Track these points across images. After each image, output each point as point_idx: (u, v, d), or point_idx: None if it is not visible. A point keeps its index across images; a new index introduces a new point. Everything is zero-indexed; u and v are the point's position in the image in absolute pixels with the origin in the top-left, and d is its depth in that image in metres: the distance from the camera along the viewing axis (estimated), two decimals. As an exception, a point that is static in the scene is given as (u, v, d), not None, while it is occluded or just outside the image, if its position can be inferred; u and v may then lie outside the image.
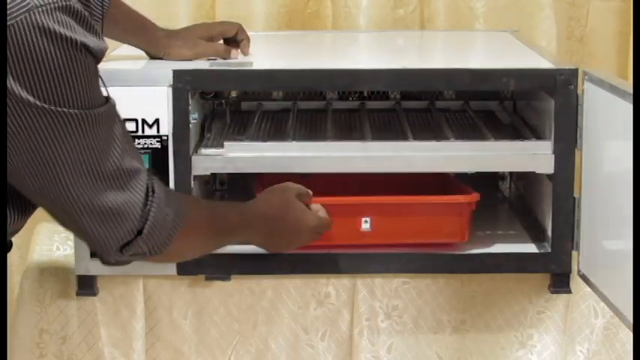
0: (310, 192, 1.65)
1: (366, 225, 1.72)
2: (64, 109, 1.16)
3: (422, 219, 1.73)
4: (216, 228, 1.48)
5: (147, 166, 1.63)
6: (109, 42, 1.77)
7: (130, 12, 1.72)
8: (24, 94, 1.13)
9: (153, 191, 1.29)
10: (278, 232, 1.60)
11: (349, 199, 1.73)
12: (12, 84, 1.13)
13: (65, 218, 1.25)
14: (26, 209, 1.28)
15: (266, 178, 1.74)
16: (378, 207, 1.72)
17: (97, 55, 1.20)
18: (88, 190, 1.21)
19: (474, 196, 1.72)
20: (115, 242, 1.27)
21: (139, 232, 1.28)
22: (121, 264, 1.33)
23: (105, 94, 1.23)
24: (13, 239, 1.34)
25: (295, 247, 1.64)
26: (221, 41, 1.81)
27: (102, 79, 1.23)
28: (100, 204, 1.23)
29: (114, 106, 1.24)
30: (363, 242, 1.72)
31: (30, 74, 1.13)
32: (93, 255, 1.68)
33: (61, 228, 1.79)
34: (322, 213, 1.66)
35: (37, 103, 1.14)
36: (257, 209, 1.58)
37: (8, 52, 1.12)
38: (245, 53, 1.80)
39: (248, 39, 1.81)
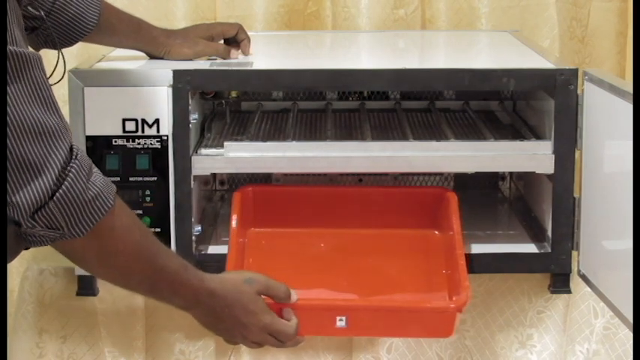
0: (290, 295, 1.47)
1: (341, 322, 1.52)
2: None
3: (402, 321, 1.53)
4: (146, 253, 1.33)
5: (146, 165, 1.63)
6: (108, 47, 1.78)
7: (124, 15, 1.72)
8: None
9: (76, 157, 1.20)
10: (220, 315, 1.42)
11: (323, 301, 1.59)
12: None
13: None
14: None
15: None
16: (353, 309, 1.53)
17: None
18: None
19: (462, 301, 1.52)
20: (25, 200, 1.17)
21: (51, 197, 1.18)
22: (39, 242, 1.23)
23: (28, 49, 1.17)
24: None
25: (239, 341, 1.47)
26: (221, 41, 1.81)
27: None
28: (12, 154, 1.14)
29: (38, 56, 1.17)
30: (338, 335, 1.62)
31: None
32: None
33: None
34: (291, 323, 1.47)
35: None
36: (205, 278, 1.40)
37: None
38: (245, 53, 1.80)
39: (248, 39, 1.81)
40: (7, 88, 1.13)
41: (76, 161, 1.21)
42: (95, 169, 1.25)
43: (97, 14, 1.63)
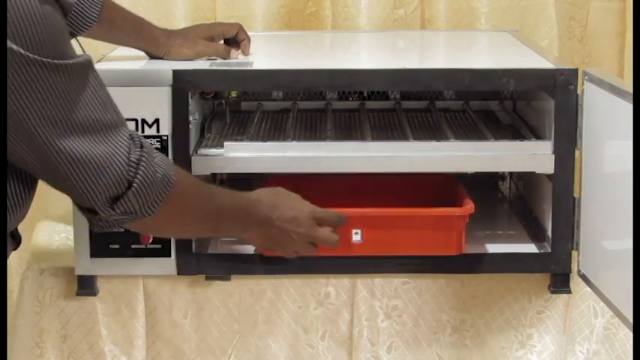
0: (339, 216, 1.62)
1: (356, 237, 1.68)
2: (37, 57, 1.15)
3: (414, 232, 1.69)
4: (206, 203, 1.45)
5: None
6: (108, 45, 1.79)
7: (126, 14, 1.72)
8: (14, 46, 1.13)
9: (141, 145, 1.29)
10: (270, 229, 1.56)
11: (341, 210, 1.67)
12: None
13: (52, 175, 1.24)
14: (28, 188, 1.28)
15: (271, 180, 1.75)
16: (368, 219, 1.68)
17: (65, 7, 1.22)
18: (68, 141, 1.21)
19: (468, 209, 1.68)
20: (102, 193, 1.26)
21: (129, 186, 1.27)
22: (110, 227, 1.32)
23: (79, 51, 1.24)
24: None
25: (286, 248, 1.60)
26: (221, 41, 1.81)
27: (75, 38, 1.24)
28: (81, 155, 1.22)
29: (89, 60, 1.24)
30: (354, 254, 1.69)
31: (15, 25, 1.14)
32: (93, 255, 1.69)
33: (61, 227, 1.80)
34: (328, 232, 1.61)
35: (14, 47, 1.14)
36: (253, 198, 1.55)
37: None
38: (246, 53, 1.80)
39: (248, 39, 1.81)
40: (74, 97, 1.20)
41: (144, 150, 1.29)
42: (153, 149, 1.32)
43: (98, 9, 1.63)
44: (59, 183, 1.26)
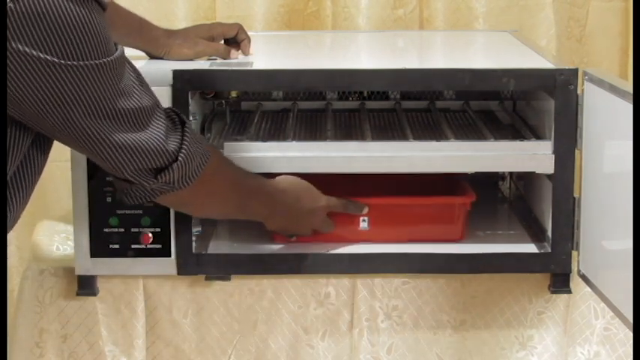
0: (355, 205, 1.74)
1: (364, 224, 1.76)
2: (82, 62, 1.22)
3: (418, 219, 1.77)
4: (237, 182, 1.56)
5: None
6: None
7: (126, 13, 1.72)
8: (42, 55, 1.19)
9: (183, 122, 1.41)
10: (290, 217, 1.67)
11: (348, 199, 1.75)
12: (25, 46, 1.18)
13: (100, 159, 1.34)
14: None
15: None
16: (375, 207, 1.76)
17: (104, 6, 1.28)
18: (115, 132, 1.30)
19: (469, 197, 1.76)
20: (146, 169, 1.37)
21: (175, 159, 1.38)
22: (144, 198, 1.42)
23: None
24: (14, 239, 1.35)
25: (300, 230, 1.71)
26: (222, 42, 1.81)
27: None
28: (127, 143, 1.32)
29: (122, 50, 1.31)
30: (361, 240, 1.75)
31: (44, 33, 1.19)
32: (93, 255, 1.69)
33: (61, 227, 1.80)
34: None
35: (55, 60, 1.20)
36: (280, 187, 1.65)
37: (21, 14, 1.17)
38: (246, 53, 1.80)
39: (248, 39, 1.81)
40: (106, 85, 1.27)
41: (186, 126, 1.41)
42: (193, 128, 1.44)
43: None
44: (105, 163, 1.35)
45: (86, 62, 1.22)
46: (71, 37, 1.21)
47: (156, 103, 1.37)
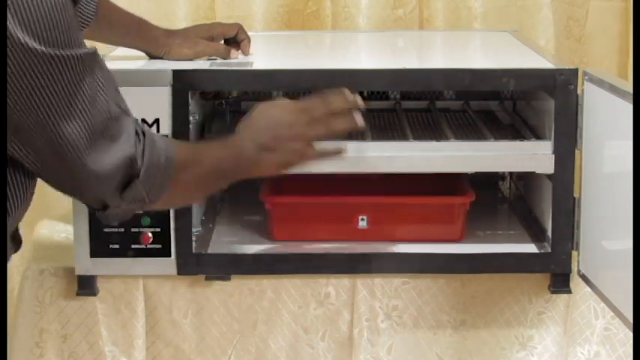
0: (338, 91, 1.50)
1: (362, 223, 1.77)
2: (50, 50, 1.14)
3: (417, 218, 1.78)
4: (206, 164, 1.40)
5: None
6: (108, 45, 1.79)
7: (125, 14, 1.72)
8: (19, 34, 1.11)
9: (143, 133, 1.28)
10: (267, 151, 1.44)
11: (347, 198, 1.78)
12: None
13: (63, 172, 1.23)
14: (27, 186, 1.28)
15: (274, 181, 1.76)
16: (374, 206, 1.77)
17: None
18: (80, 135, 1.19)
19: (468, 197, 1.77)
20: (113, 187, 1.26)
21: (137, 175, 1.27)
22: (121, 216, 1.32)
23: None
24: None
25: (287, 145, 1.46)
26: (222, 42, 1.80)
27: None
28: (94, 147, 1.22)
29: (96, 51, 1.21)
30: (360, 239, 1.76)
31: (26, 15, 1.12)
32: (93, 255, 1.69)
33: (61, 227, 1.79)
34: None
35: (29, 42, 1.12)
36: (235, 139, 1.45)
37: None
38: (246, 53, 1.80)
39: (248, 39, 1.81)
40: (74, 81, 1.17)
41: (146, 138, 1.28)
42: (152, 133, 1.31)
43: (94, 7, 1.63)
44: (67, 182, 1.25)
45: (49, 49, 1.13)
46: (41, 19, 1.13)
47: (128, 110, 1.28)
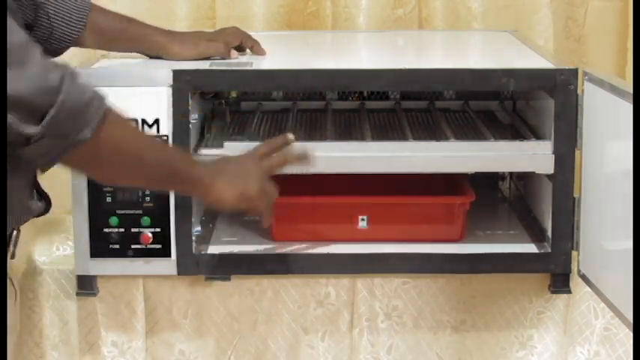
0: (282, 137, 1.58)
1: (362, 223, 1.77)
2: None
3: (417, 218, 1.78)
4: (145, 145, 1.37)
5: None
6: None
7: (127, 20, 1.70)
8: None
9: (66, 66, 1.25)
10: (222, 169, 1.47)
11: (347, 198, 1.78)
12: None
13: None
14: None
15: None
16: (374, 206, 1.77)
17: None
18: None
19: (468, 197, 1.77)
20: (28, 114, 1.21)
21: (56, 100, 1.21)
22: (45, 158, 1.25)
23: None
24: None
25: (238, 188, 1.48)
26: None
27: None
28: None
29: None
30: (360, 239, 1.76)
31: None
32: (93, 255, 1.69)
33: (61, 228, 1.79)
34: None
35: None
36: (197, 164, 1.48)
37: None
38: (261, 53, 1.81)
39: (255, 41, 1.81)
40: None
41: (68, 69, 1.23)
42: (79, 75, 1.26)
43: (82, 14, 1.62)
44: None
45: None
46: None
47: (29, 39, 1.22)
